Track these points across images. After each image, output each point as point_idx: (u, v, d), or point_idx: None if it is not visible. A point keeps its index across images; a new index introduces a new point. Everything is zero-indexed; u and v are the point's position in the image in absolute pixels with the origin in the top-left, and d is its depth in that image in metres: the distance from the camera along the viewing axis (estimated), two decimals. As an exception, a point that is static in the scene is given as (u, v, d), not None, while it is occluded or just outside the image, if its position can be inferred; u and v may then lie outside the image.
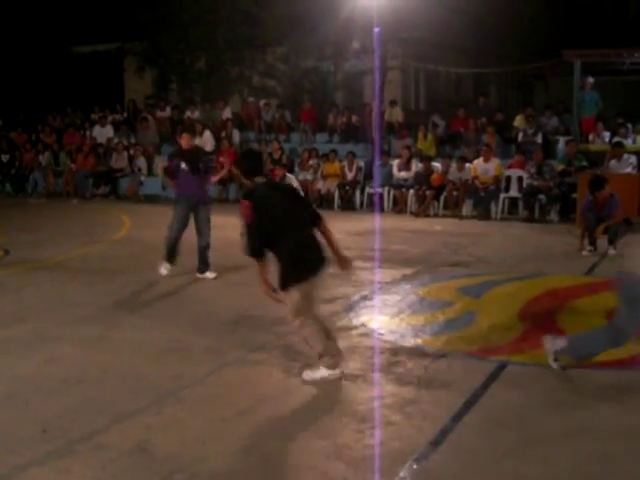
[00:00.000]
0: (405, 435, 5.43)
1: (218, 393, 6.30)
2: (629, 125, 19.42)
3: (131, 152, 22.63)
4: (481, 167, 17.57)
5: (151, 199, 20.98)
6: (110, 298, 9.61)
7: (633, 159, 16.93)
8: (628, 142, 18.33)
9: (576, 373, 6.82)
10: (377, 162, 19.01)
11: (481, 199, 17.34)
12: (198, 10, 24.88)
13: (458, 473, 4.91)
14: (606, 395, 6.29)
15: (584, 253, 12.52)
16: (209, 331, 8.07)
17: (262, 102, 24.83)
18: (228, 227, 15.41)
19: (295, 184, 16.31)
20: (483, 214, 17.16)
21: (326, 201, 19.29)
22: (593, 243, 12.66)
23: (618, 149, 16.92)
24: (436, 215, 17.68)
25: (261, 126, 23.51)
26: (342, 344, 7.43)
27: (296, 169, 20.17)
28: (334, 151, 20.16)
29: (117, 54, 28.57)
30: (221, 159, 20.87)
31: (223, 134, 22.14)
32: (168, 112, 24.89)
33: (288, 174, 16.38)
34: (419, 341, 7.69)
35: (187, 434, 5.45)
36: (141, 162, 22.25)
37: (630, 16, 28.67)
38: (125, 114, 26.21)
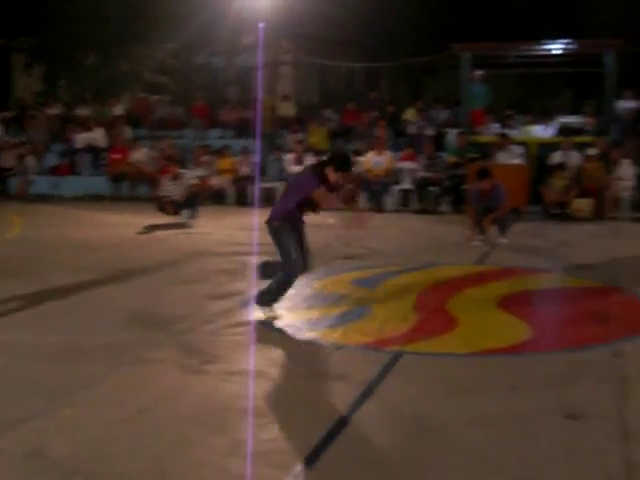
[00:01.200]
0: (301, 430, 5.46)
1: (115, 393, 6.22)
2: (517, 117, 19.89)
3: (20, 150, 22.13)
4: (373, 160, 17.78)
5: (42, 198, 20.58)
6: (1, 299, 9.40)
7: (520, 149, 17.37)
8: (516, 133, 18.77)
9: (470, 360, 6.99)
10: (256, 158, 19.03)
11: (374, 192, 17.53)
12: (87, 5, 24.48)
13: (353, 466, 4.96)
14: (500, 381, 6.44)
15: (475, 243, 12.79)
16: (104, 331, 7.96)
17: (154, 98, 24.59)
18: (122, 225, 15.34)
19: (192, 181, 16.29)
20: (377, 207, 17.36)
21: (220, 197, 19.22)
22: (483, 233, 12.94)
23: (504, 140, 17.34)
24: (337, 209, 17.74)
25: (154, 122, 23.29)
26: (237, 340, 7.47)
27: (190, 165, 20.04)
28: (227, 146, 20.12)
29: (3, 51, 27.90)
30: (113, 156, 20.69)
31: (114, 131, 21.85)
32: (58, 109, 24.45)
33: (182, 170, 16.29)
34: (315, 334, 7.74)
35: (84, 436, 5.38)
36: (30, 160, 21.77)
37: (516, 9, 29.27)
38: (14, 112, 25.63)
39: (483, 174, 12.85)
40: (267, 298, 8.13)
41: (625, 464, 4.88)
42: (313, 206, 8.20)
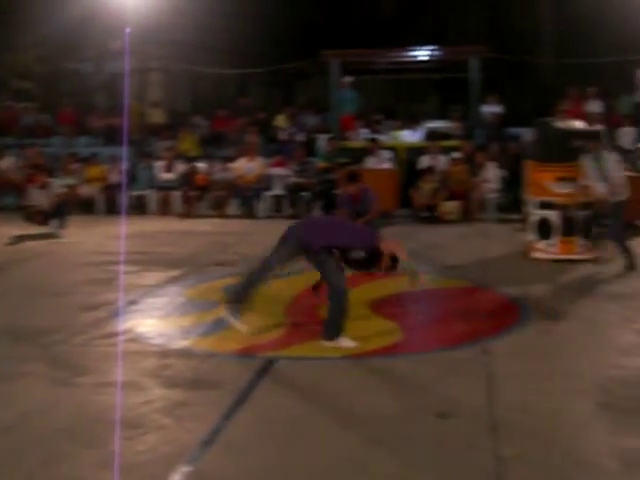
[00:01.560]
0: (176, 438, 5.42)
1: (-20, 410, 6.06)
2: (386, 122, 20.19)
3: None
4: (245, 166, 17.77)
5: None
6: None
7: (389, 154, 17.65)
8: (385, 138, 19.05)
9: (342, 363, 7.06)
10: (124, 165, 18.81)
11: (246, 198, 17.53)
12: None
13: (230, 471, 4.95)
14: (372, 383, 6.53)
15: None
16: (-31, 346, 7.75)
17: (20, 106, 23.98)
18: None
19: (61, 190, 15.95)
20: (248, 213, 17.36)
21: (89, 205, 18.88)
22: None
23: (374, 145, 17.59)
24: (202, 216, 17.71)
25: (20, 130, 22.70)
26: (109, 351, 7.36)
27: (58, 174, 19.62)
28: (96, 154, 19.79)
29: None
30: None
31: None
32: None
33: (50, 179, 15.93)
34: (187, 343, 7.70)
35: (-53, 455, 5.22)
36: None
37: (384, 18, 29.69)
38: None
39: (352, 178, 12.99)
40: (335, 331, 7.56)
41: (494, 458, 5.02)
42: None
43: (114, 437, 5.42)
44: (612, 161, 11.18)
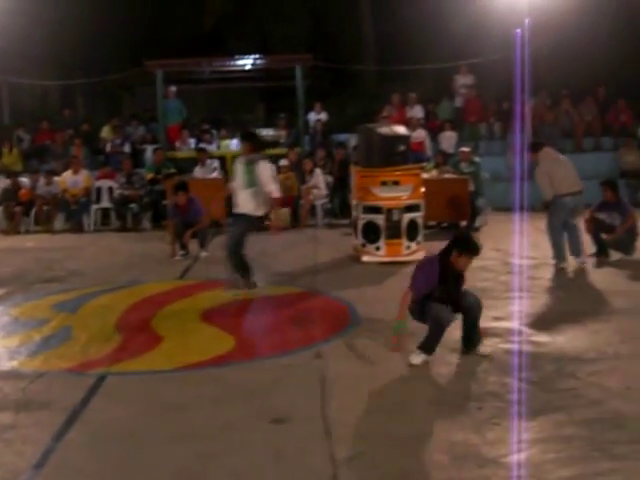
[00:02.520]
0: (5, 462, 5.25)
1: None
2: (213, 131, 20.18)
3: None
4: (70, 180, 17.37)
5: None
6: None
7: (216, 164, 17.64)
8: (213, 148, 19.04)
9: (174, 376, 7.02)
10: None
11: (73, 212, 17.15)
12: None
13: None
14: (204, 394, 6.51)
15: (177, 258, 12.85)
16: None
17: None
18: None
19: None
20: (76, 227, 16.99)
21: None
22: (184, 247, 13.03)
23: (203, 154, 17.55)
24: (27, 231, 17.19)
25: None
26: None
27: None
28: None
29: None
30: None
31: None
32: None
33: None
34: (15, 363, 7.47)
35: None
36: None
37: (207, 27, 29.68)
38: None
39: (180, 188, 12.98)
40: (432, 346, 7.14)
41: (330, 461, 5.11)
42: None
43: (-62, 466, 5.22)
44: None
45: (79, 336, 8.30)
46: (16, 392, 6.65)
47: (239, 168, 10.29)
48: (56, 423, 5.90)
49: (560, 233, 11.46)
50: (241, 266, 10.29)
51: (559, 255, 11.47)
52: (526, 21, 16.87)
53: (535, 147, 11.93)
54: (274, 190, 10.19)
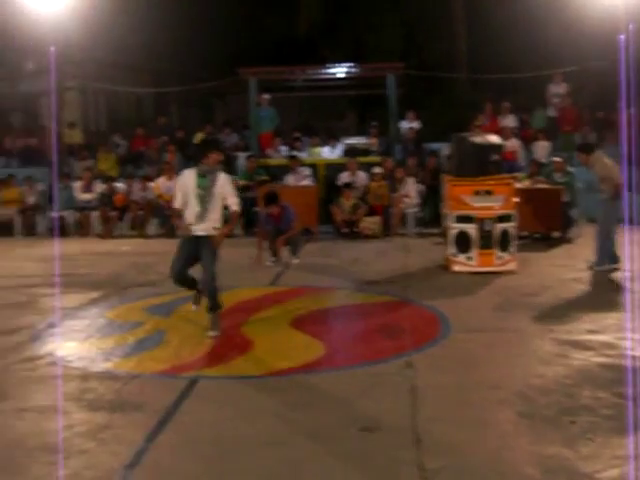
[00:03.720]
0: (99, 462, 5.35)
1: None
2: (304, 139, 20.28)
3: None
4: (164, 185, 17.65)
5: None
6: None
7: (308, 171, 17.73)
8: (304, 155, 19.14)
9: (263, 382, 7.06)
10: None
11: (166, 217, 17.40)
12: None
13: (155, 493, 4.93)
14: (293, 400, 6.53)
15: (267, 264, 12.93)
16: None
17: None
18: None
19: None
20: (170, 232, 17.23)
21: (6, 228, 18.57)
22: (275, 255, 13.10)
23: (294, 162, 17.66)
24: (122, 236, 17.55)
25: None
26: (29, 375, 7.26)
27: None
28: (12, 175, 19.46)
29: None
30: None
31: None
32: None
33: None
34: (109, 365, 7.61)
35: None
36: None
37: (300, 35, 29.90)
38: None
39: (270, 200, 13.02)
40: None
41: (419, 471, 5.07)
42: None
43: (36, 463, 5.34)
44: None
45: (172, 339, 8.42)
46: (111, 393, 6.78)
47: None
48: (149, 424, 5.99)
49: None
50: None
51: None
52: (630, 26, 16.52)
53: (588, 149, 11.95)
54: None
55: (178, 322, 9.21)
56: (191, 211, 8.50)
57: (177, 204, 8.63)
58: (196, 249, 8.49)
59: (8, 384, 7.11)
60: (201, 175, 8.49)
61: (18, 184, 19.24)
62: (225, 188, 8.56)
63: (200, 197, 8.45)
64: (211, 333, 8.46)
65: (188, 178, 8.57)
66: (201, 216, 8.46)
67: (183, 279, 8.82)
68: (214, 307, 8.57)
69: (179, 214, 8.63)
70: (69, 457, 5.41)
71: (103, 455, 5.46)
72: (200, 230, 8.48)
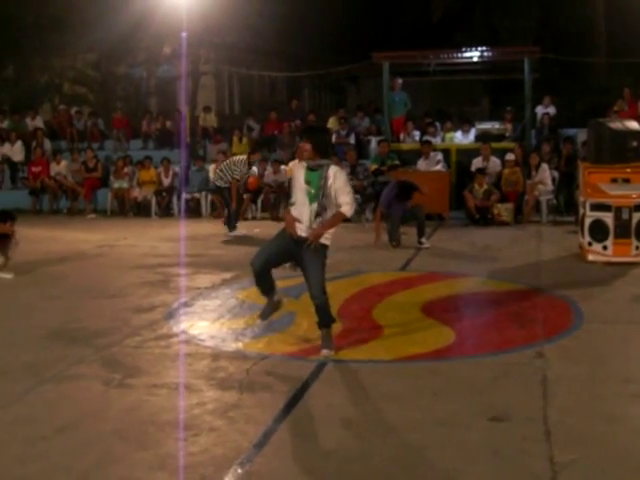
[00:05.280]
0: (229, 440, 5.43)
1: (36, 411, 6.10)
2: (437, 124, 20.11)
3: None
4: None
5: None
6: None
7: (440, 156, 17.57)
8: (437, 140, 18.98)
9: (394, 367, 7.04)
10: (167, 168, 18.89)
11: (298, 201, 17.55)
12: (3, 16, 24.03)
13: (283, 474, 4.95)
14: (423, 386, 6.49)
15: (393, 244, 13.05)
16: (25, 347, 7.82)
17: (74, 110, 24.28)
18: (46, 240, 15.09)
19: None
20: (300, 215, 17.37)
21: (143, 208, 19.07)
22: (396, 240, 13.18)
23: (427, 147, 17.52)
24: (254, 218, 17.79)
25: (73, 134, 22.97)
26: (162, 353, 7.43)
27: (111, 177, 19.86)
28: (149, 158, 19.94)
29: None
30: (33, 169, 20.38)
31: (34, 144, 21.49)
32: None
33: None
34: (240, 345, 7.72)
35: (5, 456, 5.28)
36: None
37: (434, 20, 29.65)
38: None
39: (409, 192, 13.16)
40: None
41: (549, 464, 4.97)
42: None
43: (168, 438, 5.46)
44: None
45: (301, 322, 8.47)
46: (240, 373, 6.87)
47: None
48: (277, 405, 6.05)
49: None
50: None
51: None
52: None
53: None
54: None
55: (308, 304, 9.19)
56: (299, 208, 7.40)
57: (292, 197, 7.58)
58: (295, 250, 7.40)
59: (143, 360, 7.29)
60: (310, 169, 7.36)
61: (154, 166, 19.69)
62: (337, 184, 7.28)
63: (309, 194, 7.31)
64: (325, 352, 7.30)
65: (297, 171, 7.51)
66: (312, 216, 7.30)
67: (263, 275, 7.66)
68: (328, 322, 7.47)
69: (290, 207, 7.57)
70: (199, 434, 5.52)
71: (232, 433, 5.54)
72: (305, 231, 7.32)
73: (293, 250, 7.41)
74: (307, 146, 7.31)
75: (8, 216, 11.49)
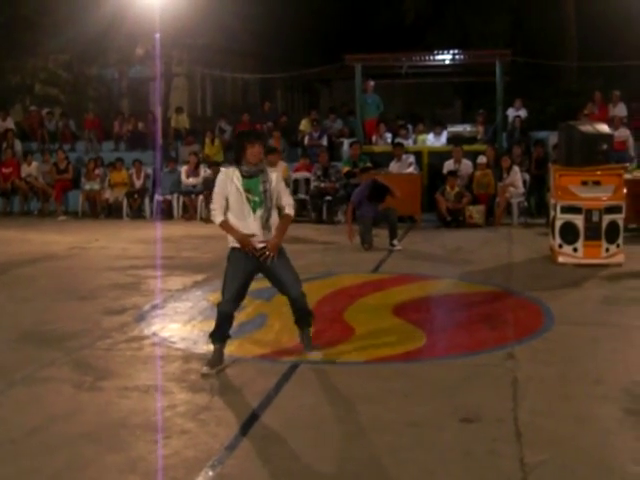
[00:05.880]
0: (200, 442, 5.42)
1: (6, 414, 6.06)
2: (409, 126, 20.18)
3: None
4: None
5: None
6: None
7: (412, 159, 17.63)
8: (409, 143, 19.04)
9: (365, 368, 7.05)
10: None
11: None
12: (-28, 16, 23.85)
13: (254, 476, 4.95)
14: (395, 388, 6.50)
15: (365, 246, 13.09)
16: (-6, 350, 7.78)
17: (45, 111, 24.12)
18: (15, 241, 15.01)
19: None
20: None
21: (115, 210, 18.98)
22: (368, 242, 13.23)
23: (399, 149, 17.57)
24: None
25: (44, 135, 22.81)
26: (133, 355, 7.40)
27: (83, 179, 19.77)
28: (121, 159, 19.86)
29: None
30: (4, 170, 20.24)
31: (4, 145, 21.34)
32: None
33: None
34: (211, 347, 7.67)
35: (-27, 459, 5.25)
36: None
37: (407, 23, 29.72)
38: None
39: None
40: None
41: (519, 464, 4.99)
42: None
43: (138, 441, 5.44)
44: None
45: (273, 324, 8.48)
46: (212, 375, 6.85)
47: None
48: (249, 407, 6.04)
49: None
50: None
51: None
52: None
53: None
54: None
55: (280, 307, 9.19)
56: (241, 221, 7.00)
57: (218, 213, 7.11)
58: (258, 264, 7.09)
59: (114, 363, 7.26)
60: (245, 176, 6.96)
61: (126, 168, 19.62)
62: (279, 186, 7.07)
63: (251, 202, 6.93)
64: (315, 353, 7.32)
65: (228, 182, 6.99)
66: (262, 224, 6.97)
67: (232, 316, 7.18)
68: (311, 321, 7.47)
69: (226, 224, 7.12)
70: (170, 437, 5.50)
71: (203, 436, 5.53)
72: (260, 240, 7.00)
73: (257, 265, 7.10)
74: (260, 149, 6.92)
75: None
